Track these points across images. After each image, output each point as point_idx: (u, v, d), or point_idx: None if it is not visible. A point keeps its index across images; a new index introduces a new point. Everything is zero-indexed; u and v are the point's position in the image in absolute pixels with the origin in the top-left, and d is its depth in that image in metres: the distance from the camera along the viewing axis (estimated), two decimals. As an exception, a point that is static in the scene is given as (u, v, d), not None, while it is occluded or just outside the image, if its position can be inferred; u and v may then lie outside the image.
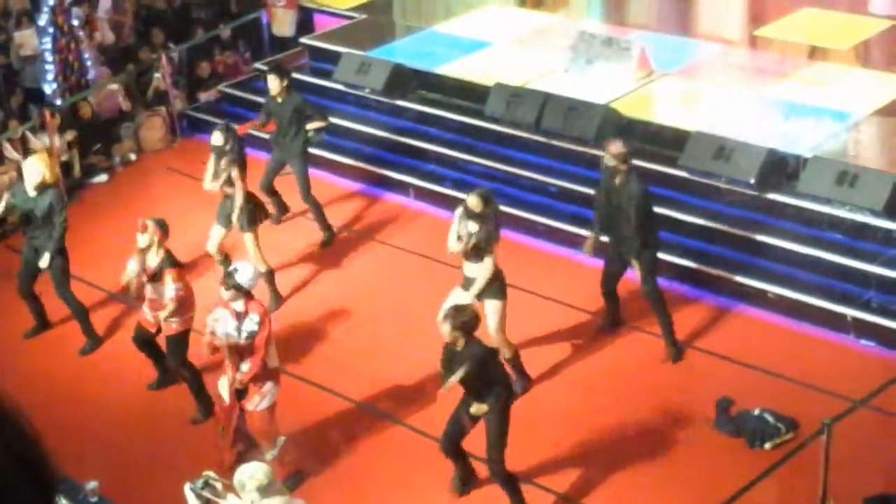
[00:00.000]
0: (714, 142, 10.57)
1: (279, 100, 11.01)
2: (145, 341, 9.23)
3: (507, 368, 8.34)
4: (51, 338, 10.43)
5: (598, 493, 8.16)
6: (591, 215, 10.51)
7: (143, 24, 15.17)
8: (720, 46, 12.82)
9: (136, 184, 13.14)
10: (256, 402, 8.08)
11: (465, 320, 7.45)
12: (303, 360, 9.72)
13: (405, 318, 10.17)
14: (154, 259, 8.88)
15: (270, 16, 15.04)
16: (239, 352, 7.98)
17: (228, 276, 7.98)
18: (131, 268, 8.97)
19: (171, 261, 8.88)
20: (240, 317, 7.95)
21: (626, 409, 8.90)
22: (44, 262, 9.75)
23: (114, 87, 14.02)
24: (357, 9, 14.59)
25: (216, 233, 10.30)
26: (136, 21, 15.20)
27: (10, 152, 12.48)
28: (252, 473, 6.45)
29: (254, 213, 10.16)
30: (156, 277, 8.88)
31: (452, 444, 7.90)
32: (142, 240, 8.87)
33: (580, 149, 11.34)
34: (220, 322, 7.98)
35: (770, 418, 8.51)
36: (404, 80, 12.84)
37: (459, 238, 8.70)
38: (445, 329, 7.48)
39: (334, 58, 13.41)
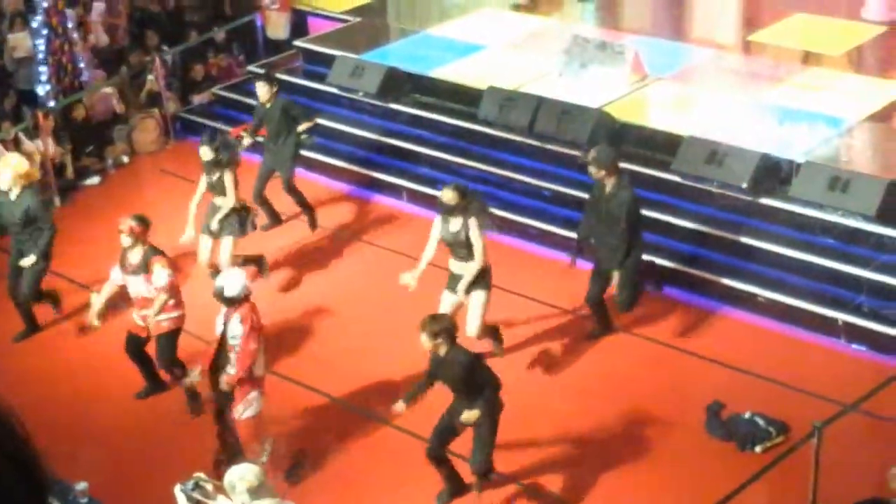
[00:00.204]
0: (707, 146, 10.58)
1: (268, 105, 11.05)
2: (137, 349, 9.19)
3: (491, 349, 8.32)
4: (41, 340, 10.41)
5: (589, 495, 8.16)
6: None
7: (137, 27, 15.16)
8: (714, 51, 12.84)
9: (128, 186, 13.13)
10: (241, 411, 8.07)
11: (443, 327, 7.47)
12: (293, 361, 9.71)
13: (396, 320, 10.15)
14: (137, 255, 8.85)
15: (264, 18, 15.04)
16: (225, 352, 7.99)
17: (218, 291, 7.98)
18: (98, 301, 8.99)
19: (155, 250, 8.87)
20: (228, 316, 7.97)
21: (617, 413, 8.90)
22: (26, 261, 9.72)
23: (108, 90, 14.02)
24: (351, 12, 14.60)
25: (205, 245, 10.28)
26: (130, 23, 15.19)
27: (4, 154, 12.43)
28: (242, 475, 6.43)
29: (244, 221, 10.17)
30: (140, 271, 8.83)
31: (439, 451, 7.88)
32: (126, 240, 8.86)
33: (573, 152, 11.35)
34: (218, 318, 8.01)
35: (761, 422, 8.52)
36: (398, 83, 12.84)
37: (442, 236, 8.70)
38: (423, 339, 7.48)
39: (328, 61, 13.42)
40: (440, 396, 8.01)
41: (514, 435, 8.08)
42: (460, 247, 8.69)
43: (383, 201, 12.28)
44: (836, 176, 9.94)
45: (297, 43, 14.28)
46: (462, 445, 7.92)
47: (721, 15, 14.13)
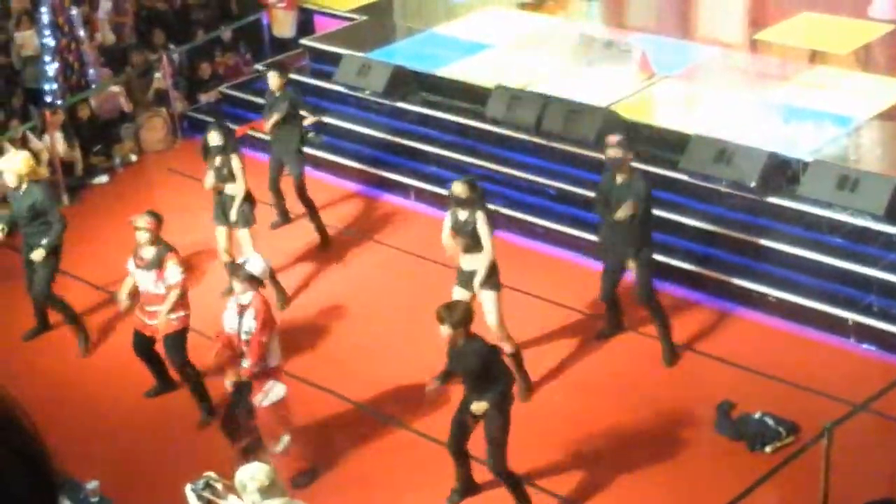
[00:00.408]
0: (715, 145, 10.57)
1: (277, 94, 11.06)
2: (145, 348, 9.18)
3: (508, 363, 8.33)
4: (51, 339, 10.42)
5: (599, 495, 8.16)
6: (590, 218, 10.55)
7: (144, 25, 15.16)
8: (721, 50, 12.83)
9: (136, 184, 13.13)
10: (260, 400, 8.10)
11: (460, 316, 7.45)
12: (302, 360, 9.71)
13: (405, 320, 10.17)
14: (150, 251, 8.84)
15: (271, 17, 15.04)
16: (238, 346, 8.00)
17: (239, 266, 8.01)
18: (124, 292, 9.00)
19: (168, 247, 8.88)
20: (242, 310, 7.97)
21: (626, 412, 8.90)
22: (36, 255, 9.71)
23: (115, 88, 14.03)
24: (358, 10, 14.59)
25: (222, 235, 10.29)
26: (137, 22, 15.19)
27: (12, 152, 12.44)
28: (253, 474, 6.44)
29: (251, 212, 10.19)
30: (153, 267, 8.82)
31: (458, 445, 7.90)
32: (143, 237, 8.84)
33: (580, 151, 11.34)
34: (227, 313, 8.02)
35: (771, 422, 8.51)
36: (405, 81, 12.84)
37: (454, 232, 8.69)
38: (444, 330, 7.46)
39: (335, 59, 13.41)
40: (454, 399, 8.02)
41: (522, 434, 8.07)
42: (468, 240, 8.67)
43: (391, 200, 12.29)
44: (844, 175, 9.93)
45: (304, 41, 14.27)
46: (475, 446, 7.93)
47: (728, 13, 14.11)
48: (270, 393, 8.09)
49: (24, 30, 13.86)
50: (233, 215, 10.09)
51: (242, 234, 10.13)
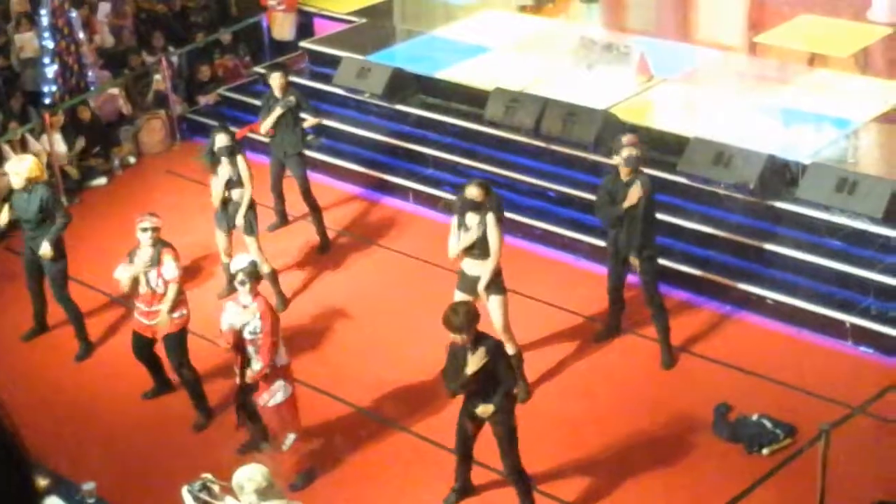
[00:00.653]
0: (713, 148, 10.58)
1: (279, 96, 11.04)
2: (145, 350, 9.17)
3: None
4: (49, 340, 10.42)
5: (595, 497, 8.16)
6: (589, 220, 10.55)
7: (144, 28, 15.17)
8: (720, 53, 12.84)
9: (135, 187, 13.14)
10: (265, 399, 8.10)
11: (472, 316, 7.41)
12: (300, 362, 9.69)
13: (404, 322, 10.17)
14: (148, 251, 8.82)
15: (270, 20, 15.04)
16: (243, 345, 7.99)
17: (237, 274, 8.03)
18: (124, 273, 8.94)
19: (164, 243, 8.87)
20: (246, 307, 7.98)
21: (623, 414, 8.90)
22: (44, 248, 9.69)
23: (114, 90, 14.04)
24: (357, 13, 14.60)
25: (222, 239, 10.28)
26: (136, 24, 15.20)
27: (11, 154, 12.46)
28: (251, 476, 6.43)
29: (255, 219, 10.19)
30: (152, 265, 8.80)
31: (466, 449, 7.89)
32: (148, 238, 8.81)
33: (579, 154, 11.35)
34: (227, 313, 8.02)
35: (768, 424, 8.51)
36: (404, 84, 12.85)
37: (461, 238, 8.65)
38: (463, 336, 7.38)
39: (334, 62, 13.42)
40: (450, 400, 8.01)
41: (519, 436, 8.06)
42: (476, 244, 8.64)
43: (390, 202, 12.29)
44: (843, 178, 9.93)
45: (303, 44, 14.28)
46: (479, 453, 7.94)
47: (727, 16, 14.12)
48: (277, 393, 8.10)
49: (24, 32, 13.87)
50: (239, 220, 10.07)
51: (249, 241, 10.12)
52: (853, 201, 9.80)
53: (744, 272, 10.11)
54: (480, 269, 8.69)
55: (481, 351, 7.36)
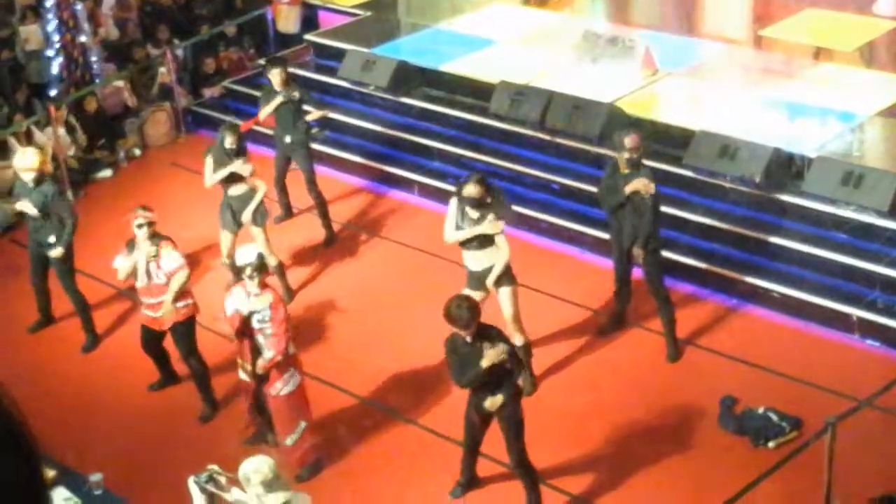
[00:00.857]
0: (719, 141, 10.57)
1: (279, 90, 11.03)
2: (153, 343, 9.17)
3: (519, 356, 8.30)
4: (55, 332, 10.44)
5: (601, 490, 8.16)
6: (594, 213, 10.55)
7: (148, 20, 15.17)
8: (725, 46, 12.82)
9: (140, 179, 13.14)
10: (278, 389, 8.11)
11: (475, 311, 7.40)
12: (306, 354, 9.68)
13: (410, 315, 10.17)
14: (146, 244, 8.82)
15: (275, 12, 15.04)
16: (248, 331, 7.98)
17: (245, 268, 8.02)
18: (122, 263, 8.93)
19: (161, 236, 8.87)
20: (252, 296, 7.97)
21: (629, 407, 8.90)
22: (56, 252, 9.74)
23: (119, 83, 14.04)
24: (362, 6, 14.59)
25: (227, 239, 10.27)
26: (141, 17, 15.20)
27: (16, 147, 12.47)
28: (257, 467, 6.45)
29: (264, 211, 10.20)
30: (152, 258, 8.80)
31: (475, 442, 7.90)
32: (145, 233, 8.81)
33: (584, 147, 11.34)
34: (233, 298, 8.01)
35: (774, 417, 8.51)
36: (409, 77, 12.84)
37: (460, 228, 8.64)
38: (467, 331, 7.37)
39: (339, 55, 13.42)
40: (457, 392, 8.01)
41: (526, 429, 8.06)
42: (476, 238, 8.63)
43: (394, 195, 12.28)
44: (848, 171, 9.92)
45: (308, 37, 14.27)
46: (485, 446, 7.94)
47: (732, 10, 14.10)
48: (290, 382, 8.11)
49: (29, 24, 13.87)
50: (249, 212, 10.06)
51: (256, 232, 10.12)
52: (859, 195, 9.78)
53: (749, 265, 10.11)
54: (484, 261, 8.67)
55: (501, 347, 7.35)
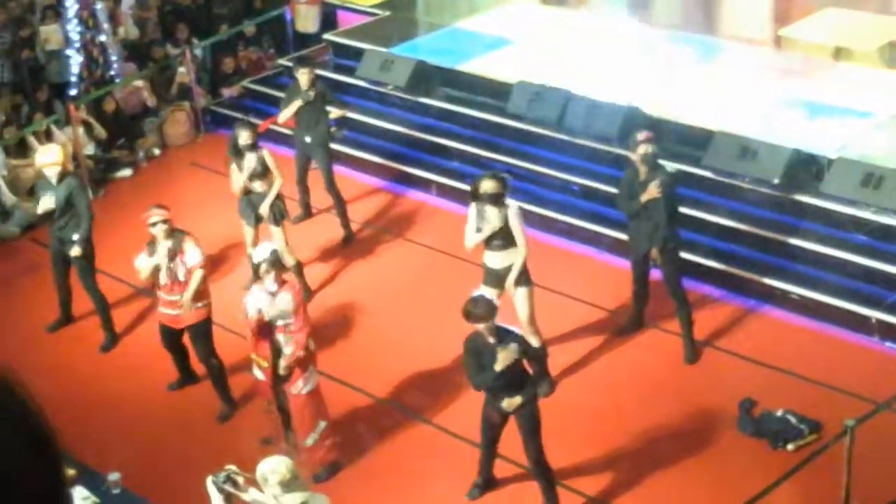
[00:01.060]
0: (738, 142, 10.53)
1: (306, 90, 11.06)
2: (173, 342, 9.19)
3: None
4: (74, 331, 10.48)
5: (617, 491, 8.14)
6: (612, 214, 10.52)
7: (168, 19, 15.22)
8: (745, 46, 12.77)
9: (159, 178, 13.19)
10: (300, 387, 8.11)
11: (491, 305, 7.41)
12: (324, 354, 9.70)
13: (427, 314, 10.17)
14: (165, 244, 8.84)
15: (294, 12, 15.07)
16: (271, 331, 8.00)
17: (260, 264, 8.04)
18: (144, 263, 8.95)
19: (182, 231, 8.89)
20: (273, 295, 7.99)
21: (646, 409, 8.87)
22: (75, 251, 9.80)
23: (139, 83, 14.09)
24: (380, 6, 14.60)
25: (249, 233, 10.30)
26: (161, 16, 15.25)
27: (36, 146, 12.53)
28: (275, 468, 6.46)
29: (283, 209, 10.23)
30: (174, 256, 8.83)
31: (492, 443, 7.90)
32: (162, 232, 8.83)
33: (603, 147, 11.32)
34: (253, 299, 8.01)
35: (793, 420, 8.47)
36: (427, 77, 12.84)
37: (479, 230, 8.63)
38: (486, 324, 7.37)
39: (357, 54, 13.43)
40: (473, 392, 8.00)
41: (543, 430, 8.06)
42: (497, 237, 8.63)
43: (412, 195, 12.29)
44: (869, 172, 9.87)
45: (327, 36, 14.29)
46: (501, 446, 7.94)
47: (752, 9, 14.04)
48: (311, 380, 8.13)
49: (49, 24, 13.94)
50: (265, 210, 10.10)
51: (275, 231, 10.14)
52: (879, 196, 9.73)
53: (769, 267, 10.07)
54: (505, 261, 8.66)
55: (512, 347, 7.35)
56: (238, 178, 10.12)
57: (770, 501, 7.78)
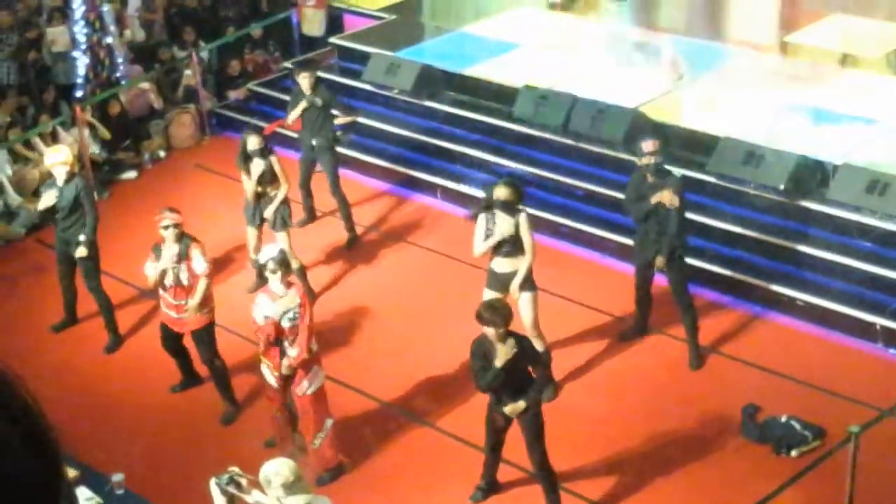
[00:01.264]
0: (743, 147, 10.52)
1: (308, 94, 11.08)
2: (174, 343, 9.20)
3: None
4: (79, 332, 10.49)
5: (620, 496, 8.14)
6: (617, 218, 10.53)
7: (174, 22, 15.24)
8: (750, 52, 12.77)
9: (164, 181, 13.20)
10: (305, 388, 8.12)
11: (508, 311, 7.42)
12: (328, 358, 9.71)
13: (431, 318, 10.18)
14: (174, 247, 8.84)
15: (300, 15, 15.09)
16: (279, 334, 8.00)
17: (266, 264, 8.05)
18: (152, 271, 8.95)
19: (190, 237, 8.90)
20: (279, 297, 7.99)
21: (650, 414, 8.87)
22: (80, 251, 9.81)
23: (145, 85, 14.11)
24: (386, 9, 14.62)
25: (253, 236, 10.31)
26: (167, 19, 15.27)
27: (42, 147, 12.55)
28: (278, 470, 6.46)
29: (289, 214, 10.24)
30: (180, 261, 8.83)
31: (496, 446, 7.90)
32: (172, 235, 8.84)
33: (608, 152, 11.32)
34: (260, 306, 8.02)
35: (797, 426, 8.47)
36: (433, 80, 12.85)
37: (489, 236, 8.63)
38: (499, 331, 7.39)
39: (363, 58, 13.44)
40: (477, 396, 8.01)
41: (546, 434, 8.05)
42: (507, 243, 8.63)
43: (417, 199, 12.29)
44: (874, 179, 9.86)
45: (333, 40, 14.31)
46: (505, 451, 7.93)
47: (758, 15, 14.03)
48: (315, 379, 8.13)
49: (56, 26, 13.96)
50: (269, 214, 10.11)
51: (280, 236, 10.16)
52: (884, 203, 9.72)
53: (774, 273, 10.06)
54: (512, 266, 8.67)
55: (510, 342, 7.35)
56: (250, 185, 10.16)
57: (773, 507, 7.77)
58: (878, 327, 9.37)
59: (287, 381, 8.15)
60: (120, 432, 9.07)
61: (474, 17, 14.37)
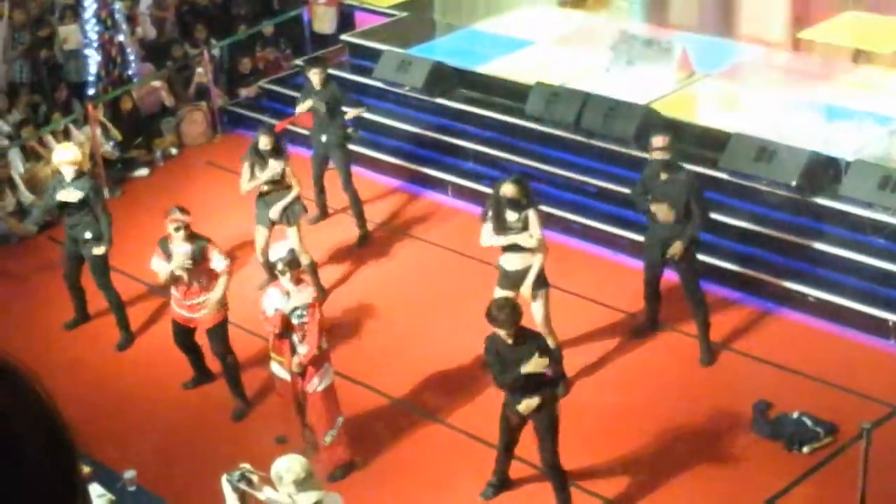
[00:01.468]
0: (755, 144, 10.50)
1: (319, 90, 11.09)
2: (186, 340, 9.21)
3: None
4: (91, 329, 10.52)
5: (632, 493, 8.13)
6: (629, 215, 10.52)
7: (186, 19, 15.26)
8: (762, 48, 12.73)
9: (176, 178, 13.23)
10: (316, 385, 8.13)
11: (517, 312, 7.41)
12: (339, 354, 9.71)
13: (443, 315, 10.18)
14: (184, 246, 8.85)
15: (311, 13, 15.09)
16: (287, 327, 8.01)
17: (276, 263, 8.07)
18: (162, 267, 8.96)
19: (201, 237, 8.91)
20: (290, 294, 8.01)
21: (661, 411, 8.86)
22: (99, 249, 9.83)
23: (156, 83, 14.14)
24: (398, 6, 14.61)
25: (262, 236, 10.33)
26: (178, 17, 15.30)
27: (54, 145, 12.57)
28: (289, 466, 6.46)
29: (302, 211, 10.26)
30: (197, 263, 8.85)
31: (509, 444, 7.90)
32: (181, 234, 8.85)
33: (620, 149, 11.30)
34: (271, 297, 8.04)
35: (809, 422, 8.45)
36: (444, 78, 12.84)
37: (496, 231, 8.63)
38: (507, 332, 7.38)
39: (375, 55, 13.44)
40: (489, 392, 8.02)
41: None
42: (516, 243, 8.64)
43: (429, 196, 12.30)
44: (886, 175, 9.83)
45: (344, 37, 14.31)
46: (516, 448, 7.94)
47: (770, 12, 13.99)
48: (325, 376, 8.14)
49: (68, 24, 13.99)
50: (275, 214, 10.13)
51: (291, 232, 10.18)
52: (897, 199, 9.69)
53: (786, 269, 10.04)
54: (521, 263, 8.67)
55: (543, 361, 7.35)
56: (247, 178, 10.16)
57: (785, 504, 7.75)
58: (890, 323, 9.34)
59: (298, 377, 8.16)
60: (132, 429, 9.10)
61: (485, 14, 14.36)
